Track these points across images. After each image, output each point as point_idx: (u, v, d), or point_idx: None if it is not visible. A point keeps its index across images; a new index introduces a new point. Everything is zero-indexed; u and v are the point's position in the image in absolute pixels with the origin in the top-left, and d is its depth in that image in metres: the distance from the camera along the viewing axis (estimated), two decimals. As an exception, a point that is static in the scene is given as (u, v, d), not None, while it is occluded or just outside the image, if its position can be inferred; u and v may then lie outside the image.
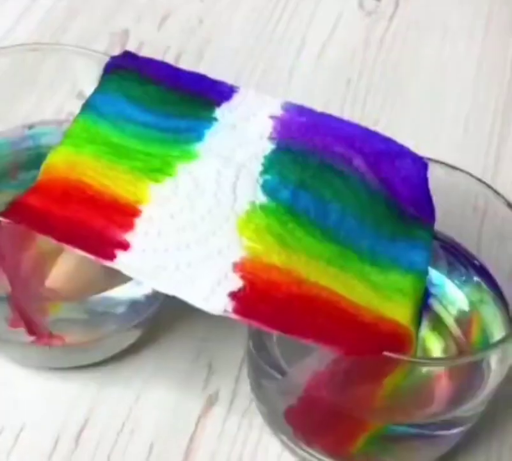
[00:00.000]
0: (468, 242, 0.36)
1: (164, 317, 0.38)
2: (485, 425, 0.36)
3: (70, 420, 0.35)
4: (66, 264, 0.30)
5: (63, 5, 0.51)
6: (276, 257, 0.29)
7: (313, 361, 0.30)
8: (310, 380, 0.30)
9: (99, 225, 0.29)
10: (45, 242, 0.29)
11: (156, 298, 0.36)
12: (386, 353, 0.27)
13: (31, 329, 0.34)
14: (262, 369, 0.33)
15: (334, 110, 0.46)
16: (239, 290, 0.28)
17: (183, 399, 0.36)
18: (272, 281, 0.28)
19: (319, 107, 0.44)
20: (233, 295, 0.28)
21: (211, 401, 0.36)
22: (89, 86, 0.34)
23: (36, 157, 0.32)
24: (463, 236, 0.35)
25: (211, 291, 0.28)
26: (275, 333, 0.28)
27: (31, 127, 0.39)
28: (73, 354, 0.36)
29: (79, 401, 0.36)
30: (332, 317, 0.28)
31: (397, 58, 0.50)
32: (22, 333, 0.34)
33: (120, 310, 0.36)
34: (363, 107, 0.48)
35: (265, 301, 0.28)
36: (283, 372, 0.31)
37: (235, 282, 0.28)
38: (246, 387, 0.36)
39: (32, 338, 0.35)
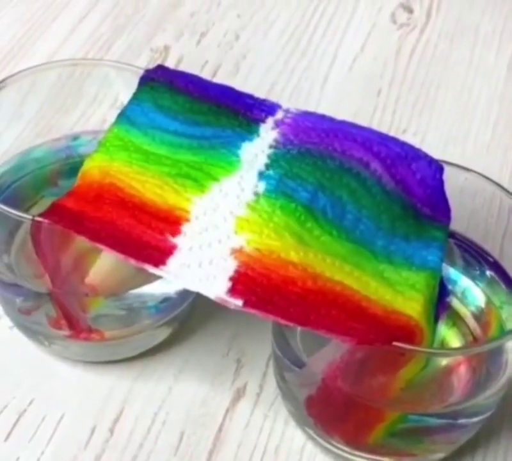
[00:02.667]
0: (491, 245, 0.37)
1: (196, 315, 0.40)
2: (506, 412, 0.37)
3: (105, 411, 0.37)
4: (105, 262, 0.33)
5: (109, 24, 0.54)
6: (293, 253, 0.31)
7: (330, 351, 0.31)
8: (327, 370, 0.32)
9: (128, 226, 0.31)
10: (83, 241, 0.32)
11: (188, 295, 0.38)
12: (395, 344, 0.29)
13: (72, 324, 0.37)
14: (285, 363, 0.35)
15: (364, 119, 0.49)
16: (256, 285, 0.30)
17: (212, 392, 0.38)
18: (288, 276, 0.30)
19: (349, 115, 0.45)
20: (250, 290, 0.30)
21: (239, 395, 0.38)
22: (129, 98, 0.36)
23: (76, 166, 0.34)
24: (486, 239, 0.37)
25: (230, 286, 0.30)
26: (291, 326, 0.30)
27: (75, 137, 0.41)
28: (110, 348, 0.38)
29: (114, 393, 0.38)
30: (345, 309, 0.30)
31: (427, 69, 0.52)
32: (62, 328, 0.37)
33: (154, 306, 0.38)
34: (393, 116, 0.49)
35: (281, 295, 0.30)
36: (303, 365, 0.33)
37: (253, 277, 0.30)
38: (272, 381, 0.38)
39: (72, 332, 0.37)
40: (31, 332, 0.39)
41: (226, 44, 0.53)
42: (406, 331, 0.30)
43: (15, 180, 0.39)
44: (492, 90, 0.51)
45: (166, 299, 0.38)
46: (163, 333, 0.39)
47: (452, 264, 0.36)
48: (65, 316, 0.36)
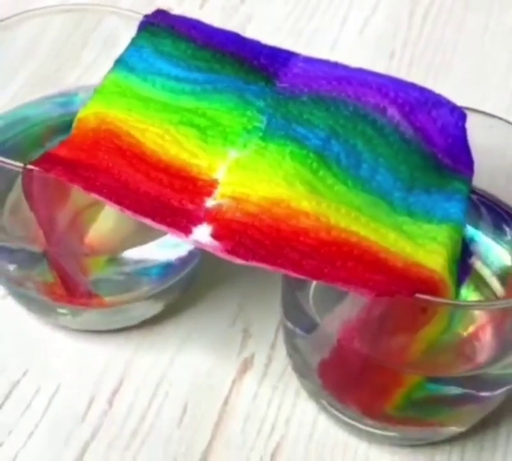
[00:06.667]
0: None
1: (199, 282, 0.38)
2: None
3: (103, 383, 0.35)
4: (107, 220, 0.31)
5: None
6: (305, 203, 0.28)
7: (345, 309, 0.29)
8: (343, 330, 0.29)
9: (124, 175, 0.29)
10: (80, 196, 0.29)
11: (190, 260, 0.36)
12: (418, 295, 0.26)
13: (70, 288, 0.34)
14: (297, 327, 0.32)
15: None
16: (265, 236, 0.28)
17: (218, 363, 0.36)
18: (300, 227, 0.28)
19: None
20: (258, 242, 0.27)
21: (246, 365, 0.36)
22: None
23: (68, 125, 0.32)
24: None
25: (236, 240, 0.27)
26: (306, 284, 0.28)
27: (72, 94, 0.38)
28: (109, 316, 0.36)
29: (113, 363, 0.35)
30: (362, 261, 0.27)
31: (442, 31, 0.49)
32: (59, 296, 0.34)
33: (154, 272, 0.35)
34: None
35: (293, 247, 0.27)
36: (316, 327, 0.31)
37: (261, 229, 0.28)
38: (281, 352, 0.36)
39: (70, 298, 0.34)
40: (26, 300, 0.36)
41: (231, 7, 0.51)
42: (430, 285, 0.27)
43: (0, 142, 0.36)
44: (511, 54, 0.49)
45: (167, 265, 0.36)
46: (164, 301, 0.37)
47: (474, 222, 0.34)
48: (63, 280, 0.34)
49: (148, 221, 0.28)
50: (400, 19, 0.50)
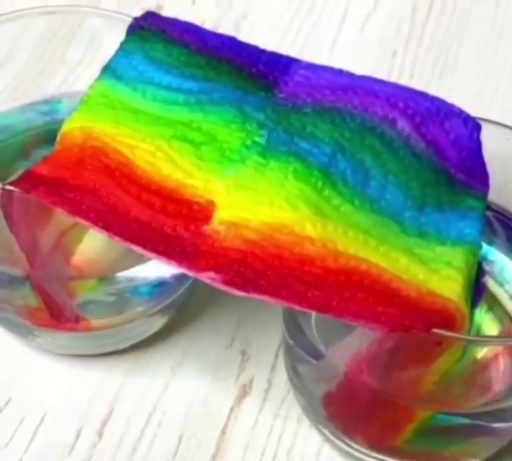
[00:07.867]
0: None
1: (194, 301, 0.35)
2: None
3: (93, 411, 0.33)
4: (95, 239, 0.29)
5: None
6: (309, 227, 0.26)
7: (354, 341, 0.27)
8: (350, 362, 0.27)
9: (113, 197, 0.27)
10: (64, 215, 0.27)
11: (186, 278, 0.34)
12: (435, 331, 0.24)
13: (56, 313, 0.32)
14: (299, 354, 0.30)
15: (379, 83, 0.44)
16: (267, 266, 0.25)
17: (214, 389, 0.33)
18: (304, 255, 0.26)
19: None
20: (259, 272, 0.25)
21: (245, 391, 0.34)
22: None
23: (55, 135, 0.29)
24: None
25: (234, 269, 0.25)
26: (309, 313, 0.26)
27: (55, 101, 0.36)
28: (98, 340, 0.34)
29: (103, 390, 0.33)
30: (373, 291, 0.25)
31: (446, 28, 0.47)
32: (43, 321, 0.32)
33: (147, 291, 0.33)
34: (410, 81, 0.45)
35: (297, 277, 0.25)
36: (321, 357, 0.28)
37: (262, 258, 0.25)
38: (282, 375, 0.33)
39: (56, 323, 0.32)
40: (11, 324, 0.34)
41: (225, 2, 0.48)
42: (446, 317, 0.25)
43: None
44: (518, 51, 0.46)
45: (161, 283, 0.34)
46: (158, 322, 0.35)
47: (488, 239, 0.32)
48: (48, 304, 0.32)
49: (138, 249, 0.26)
50: (402, 16, 0.48)
